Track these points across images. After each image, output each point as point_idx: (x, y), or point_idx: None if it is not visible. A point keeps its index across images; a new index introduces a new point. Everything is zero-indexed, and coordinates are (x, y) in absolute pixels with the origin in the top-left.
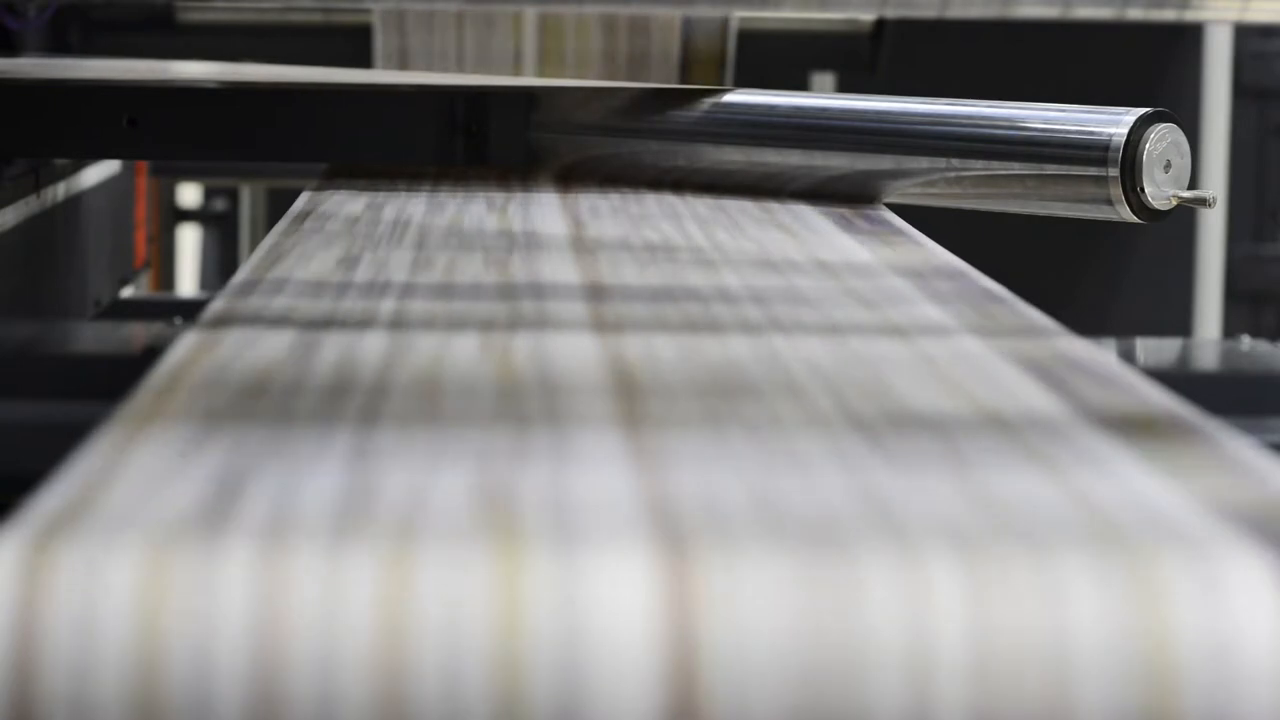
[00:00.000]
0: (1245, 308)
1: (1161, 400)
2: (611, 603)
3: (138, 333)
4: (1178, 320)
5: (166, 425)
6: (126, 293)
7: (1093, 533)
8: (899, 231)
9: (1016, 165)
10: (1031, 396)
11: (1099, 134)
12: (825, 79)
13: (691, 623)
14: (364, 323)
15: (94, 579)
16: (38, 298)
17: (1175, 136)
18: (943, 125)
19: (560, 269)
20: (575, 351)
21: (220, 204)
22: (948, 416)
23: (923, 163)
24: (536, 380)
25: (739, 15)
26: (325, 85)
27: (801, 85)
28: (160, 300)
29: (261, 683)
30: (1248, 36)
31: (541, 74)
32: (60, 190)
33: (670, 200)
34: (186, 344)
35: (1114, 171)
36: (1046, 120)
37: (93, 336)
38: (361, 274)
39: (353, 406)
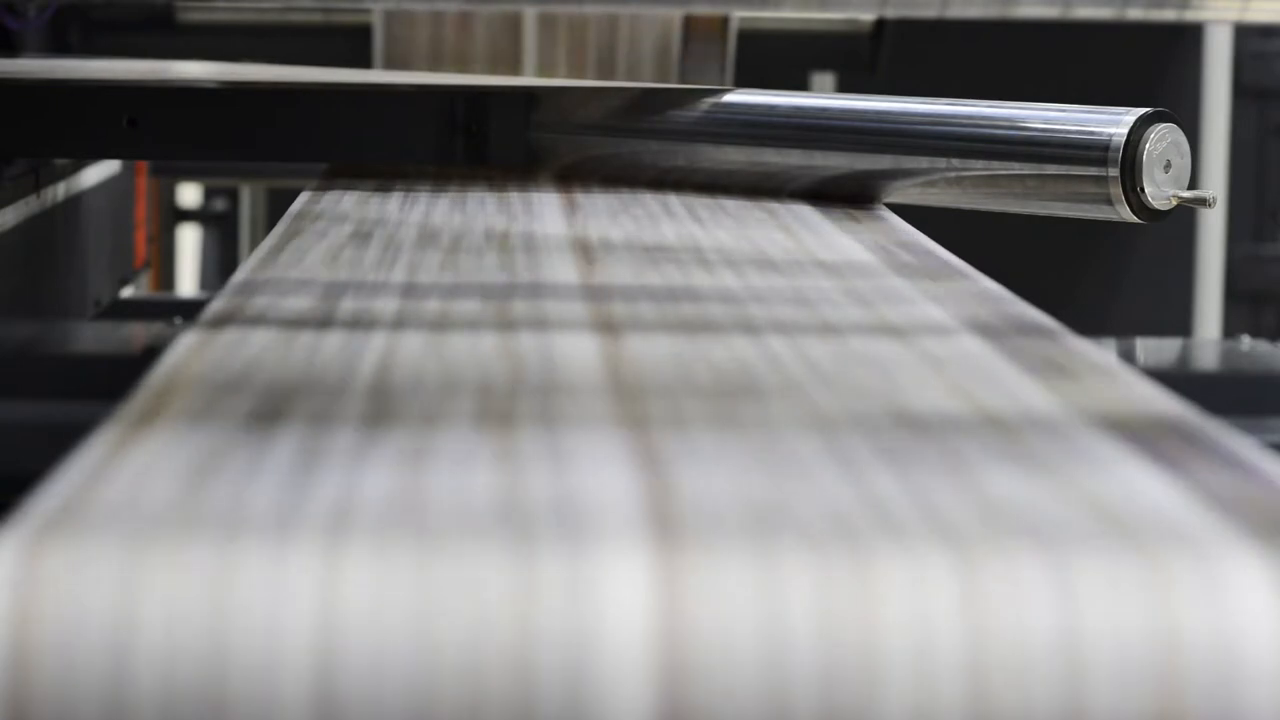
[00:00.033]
0: (1245, 308)
1: (1162, 400)
2: (610, 604)
3: (138, 333)
4: (1178, 320)
5: (166, 425)
6: (126, 293)
7: (1095, 533)
8: (899, 232)
9: (1016, 165)
10: (1032, 396)
11: (1099, 134)
12: (825, 79)
13: (688, 624)
14: (364, 323)
15: (93, 579)
16: (38, 298)
17: (1175, 136)
18: (943, 125)
19: (560, 269)
20: (575, 352)
21: (220, 204)
22: (948, 417)
23: (923, 163)
24: (537, 381)
25: (739, 15)
26: (325, 85)
27: (801, 85)
28: (160, 300)
29: (263, 683)
30: (1248, 36)
31: (541, 74)
32: (60, 190)
33: (670, 200)
34: (186, 344)
35: (1114, 171)
36: (1046, 120)
37: (93, 336)
38: (361, 274)
39: (353, 407)
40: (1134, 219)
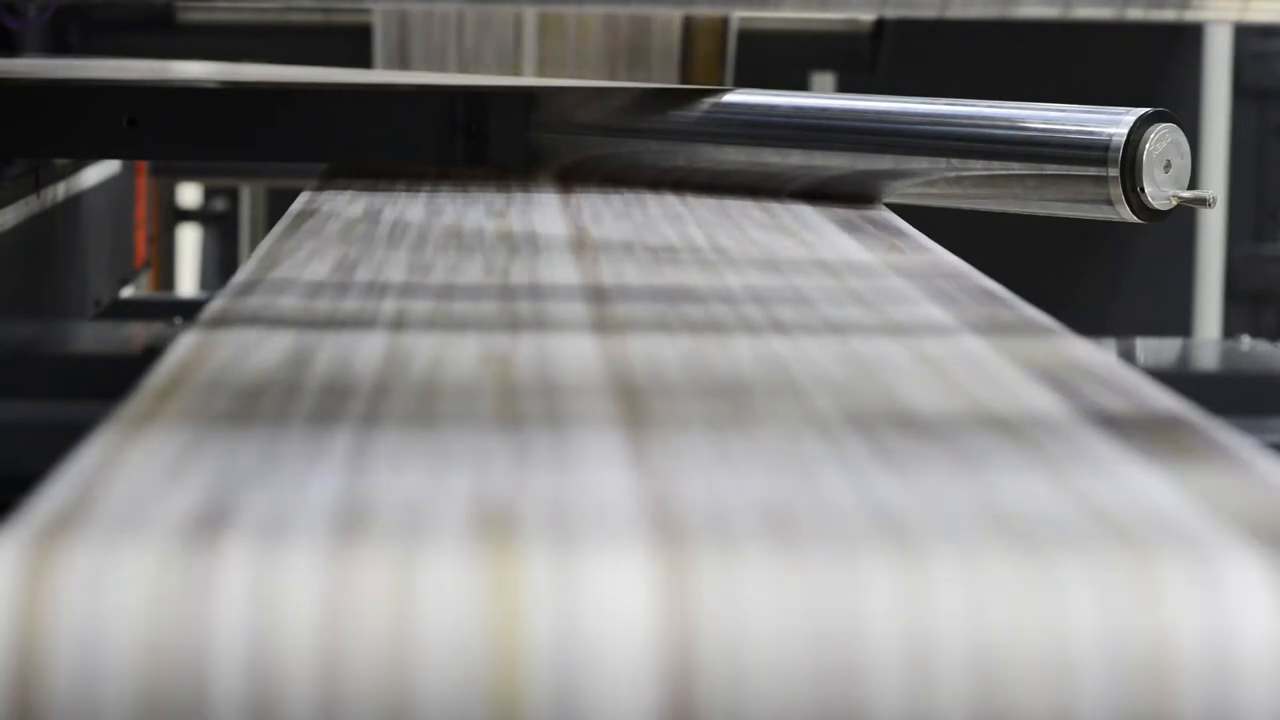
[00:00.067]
0: (1245, 308)
1: (1162, 400)
2: (611, 605)
3: (138, 333)
4: (1178, 320)
5: (166, 425)
6: (126, 293)
7: (1093, 533)
8: (899, 232)
9: (1016, 165)
10: (1033, 396)
11: (1099, 134)
12: (825, 79)
13: (690, 625)
14: (364, 324)
15: (94, 579)
16: (38, 298)
17: (1175, 136)
18: (943, 125)
19: (561, 270)
20: (576, 353)
21: (220, 204)
22: (949, 417)
23: (923, 163)
24: (537, 382)
25: (739, 15)
26: (325, 85)
27: (801, 85)
28: (160, 300)
29: (261, 682)
30: (1248, 36)
31: (541, 74)
32: (60, 190)
33: (670, 200)
34: (186, 344)
35: (1114, 171)
36: (1046, 120)
37: (93, 336)
38: (361, 275)
39: (353, 408)
40: (1134, 219)
